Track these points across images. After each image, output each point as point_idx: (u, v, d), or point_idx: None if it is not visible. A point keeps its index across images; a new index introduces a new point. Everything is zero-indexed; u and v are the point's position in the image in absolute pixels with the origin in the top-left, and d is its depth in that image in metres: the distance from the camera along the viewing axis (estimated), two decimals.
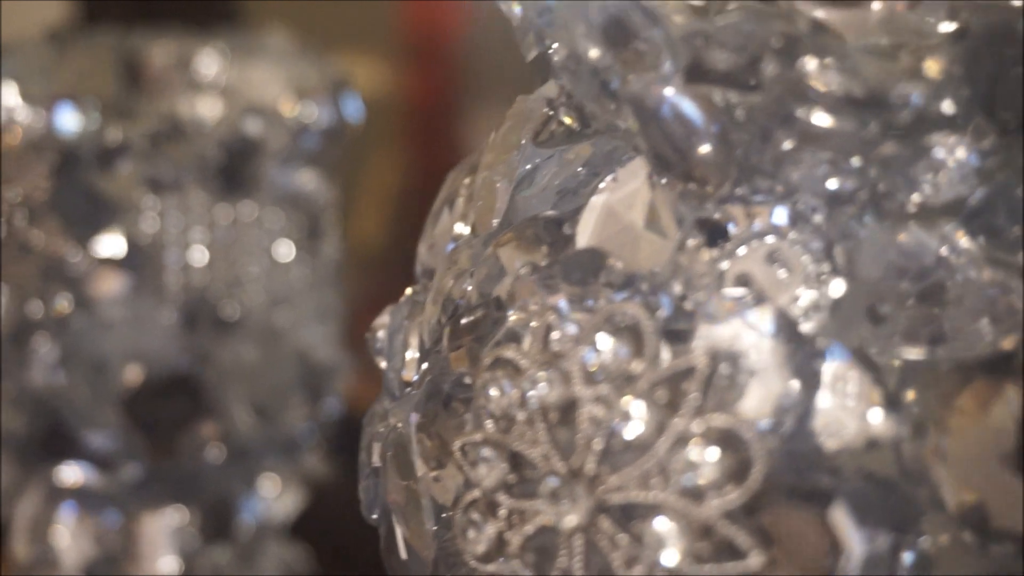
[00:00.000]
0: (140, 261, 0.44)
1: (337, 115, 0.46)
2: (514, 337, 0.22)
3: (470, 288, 0.25)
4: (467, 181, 0.29)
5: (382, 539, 0.28)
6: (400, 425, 0.25)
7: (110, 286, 0.44)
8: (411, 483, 0.25)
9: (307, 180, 0.46)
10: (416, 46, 0.92)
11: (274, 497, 0.51)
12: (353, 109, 0.47)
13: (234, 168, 0.44)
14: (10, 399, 0.46)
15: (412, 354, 0.27)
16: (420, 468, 0.24)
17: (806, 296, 0.21)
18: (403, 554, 0.26)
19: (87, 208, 0.43)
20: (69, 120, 0.42)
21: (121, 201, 0.43)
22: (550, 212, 0.24)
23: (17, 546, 0.49)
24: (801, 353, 0.20)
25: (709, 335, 0.20)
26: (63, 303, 0.44)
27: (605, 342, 0.21)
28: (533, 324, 0.22)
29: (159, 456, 0.47)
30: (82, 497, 0.48)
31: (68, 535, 0.48)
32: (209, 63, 0.44)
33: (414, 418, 0.24)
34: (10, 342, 0.45)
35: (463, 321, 0.24)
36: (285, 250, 0.47)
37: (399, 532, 0.26)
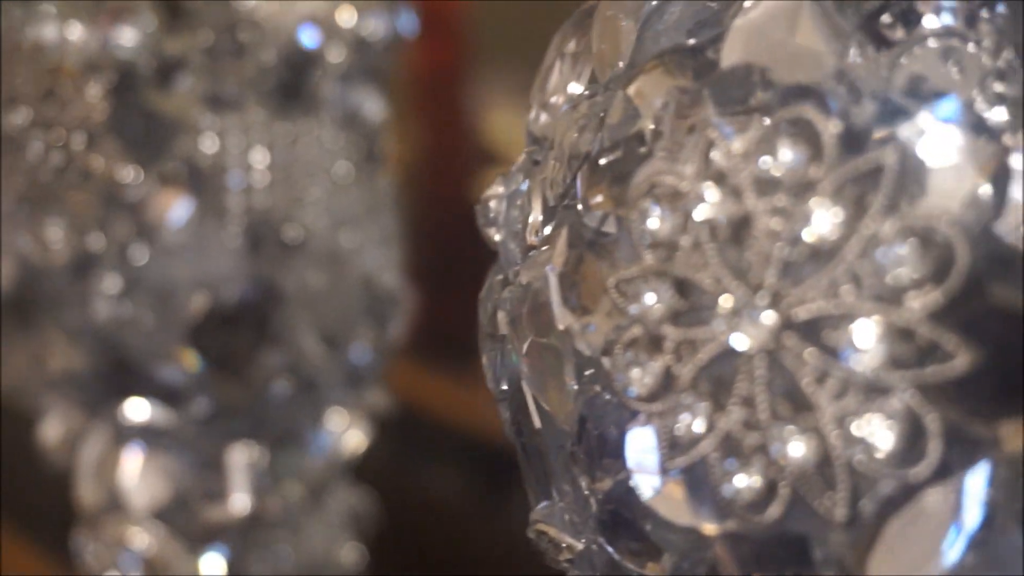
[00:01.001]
0: (202, 184, 0.42)
1: (393, 28, 0.45)
2: (667, 164, 0.21)
3: (601, 134, 0.24)
4: (572, 45, 0.27)
5: (509, 415, 0.26)
6: (535, 282, 0.24)
7: (173, 211, 0.42)
8: (550, 339, 0.24)
9: (364, 97, 0.45)
10: (423, 18, 0.91)
11: (341, 432, 0.50)
12: (407, 22, 0.46)
13: (293, 83, 0.42)
14: (72, 335, 0.44)
15: (536, 216, 0.25)
16: (563, 320, 0.23)
17: (986, 90, 0.20)
18: (536, 422, 0.25)
19: (146, 130, 0.41)
20: (125, 36, 0.40)
21: (180, 121, 0.42)
22: (690, 40, 0.23)
23: (83, 489, 0.48)
24: (989, 146, 0.19)
25: (892, 134, 0.19)
26: (124, 230, 0.42)
27: (778, 151, 0.20)
28: (689, 146, 0.21)
29: (227, 389, 0.45)
30: (148, 436, 0.47)
31: (135, 476, 0.47)
32: None
33: (553, 269, 0.23)
34: (70, 275, 0.43)
35: (601, 162, 0.23)
36: (344, 171, 0.46)
37: (531, 401, 0.25)
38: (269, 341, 0.44)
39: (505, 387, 0.26)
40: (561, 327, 0.23)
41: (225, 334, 0.44)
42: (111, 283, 0.43)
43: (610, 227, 0.22)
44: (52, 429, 0.49)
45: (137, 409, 0.45)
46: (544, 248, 0.24)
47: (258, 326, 0.44)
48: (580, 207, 0.23)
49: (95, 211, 0.42)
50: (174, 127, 0.42)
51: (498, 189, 0.28)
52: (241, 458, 0.47)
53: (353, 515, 0.52)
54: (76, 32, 0.40)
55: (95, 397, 0.46)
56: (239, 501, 0.47)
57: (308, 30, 0.42)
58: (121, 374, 0.45)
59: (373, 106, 0.46)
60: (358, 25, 0.43)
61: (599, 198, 0.23)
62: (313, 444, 0.49)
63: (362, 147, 0.46)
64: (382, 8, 0.45)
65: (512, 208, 0.27)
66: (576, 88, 0.26)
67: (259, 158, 0.43)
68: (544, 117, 0.27)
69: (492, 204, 0.27)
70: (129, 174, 0.41)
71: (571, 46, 0.27)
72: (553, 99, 0.27)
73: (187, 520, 0.47)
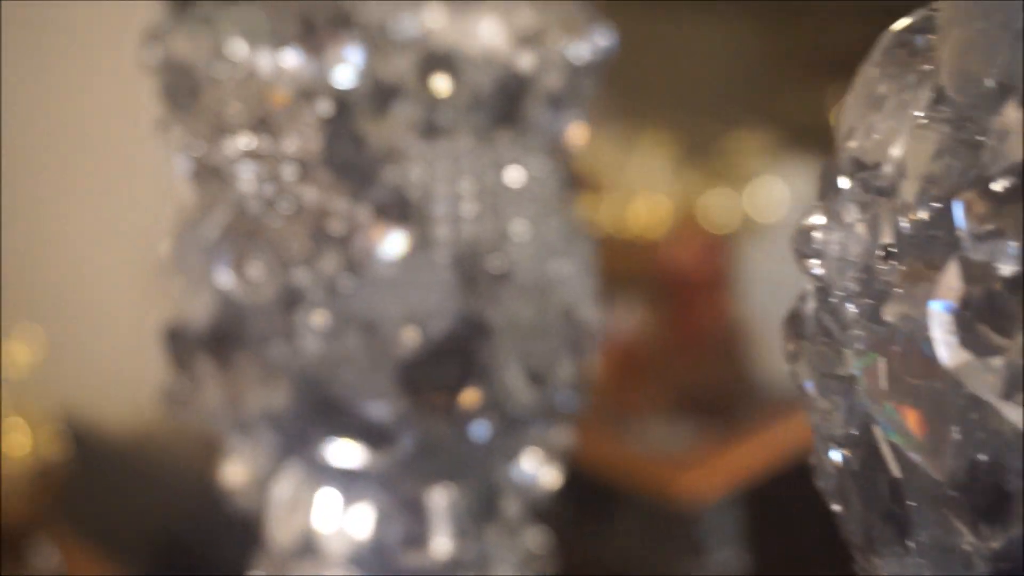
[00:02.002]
0: (411, 214, 0.41)
1: (599, 49, 0.43)
2: None
3: (982, 158, 0.22)
4: (901, 60, 0.25)
5: (854, 460, 0.24)
6: (908, 319, 0.22)
7: (384, 243, 0.41)
8: (931, 380, 0.21)
9: (570, 122, 0.43)
10: None
11: (536, 471, 0.48)
12: (610, 43, 0.44)
13: (504, 109, 0.41)
14: (273, 373, 0.43)
15: (886, 245, 0.23)
16: (955, 359, 0.21)
17: None
18: (895, 470, 0.23)
19: (358, 159, 0.40)
20: (342, 62, 0.39)
21: (391, 150, 0.40)
22: None
23: (274, 531, 0.47)
24: None
25: None
26: (333, 263, 0.41)
27: None
28: None
29: (431, 428, 0.43)
30: (347, 477, 0.45)
31: (332, 519, 0.45)
32: None
33: (944, 304, 0.21)
34: (275, 310, 0.42)
35: (995, 188, 0.21)
36: (548, 199, 0.44)
37: (886, 446, 0.23)
38: (475, 377, 0.42)
39: (852, 431, 0.24)
40: (951, 366, 0.21)
41: (433, 370, 0.42)
42: (318, 318, 0.42)
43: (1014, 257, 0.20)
44: (239, 468, 0.48)
45: (337, 449, 0.43)
46: (918, 282, 0.22)
47: (465, 362, 0.42)
48: (968, 236, 0.21)
49: (303, 244, 0.41)
50: (385, 156, 0.40)
51: (820, 219, 0.26)
52: (442, 500, 0.45)
53: (538, 557, 0.50)
54: (291, 59, 0.39)
55: (293, 434, 0.44)
56: (440, 545, 0.45)
57: (524, 54, 0.40)
58: (322, 412, 0.43)
59: (577, 131, 0.44)
60: (570, 48, 0.41)
61: (995, 225, 0.21)
62: (509, 484, 0.47)
63: (564, 173, 0.45)
64: (589, 30, 0.43)
65: (843, 237, 0.25)
66: (916, 109, 0.24)
67: (467, 186, 0.42)
68: (873, 140, 0.25)
69: (816, 234, 0.25)
70: (340, 205, 0.40)
71: (901, 61, 0.25)
72: (883, 122, 0.25)
73: (384, 565, 0.45)
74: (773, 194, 1.26)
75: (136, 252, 1.18)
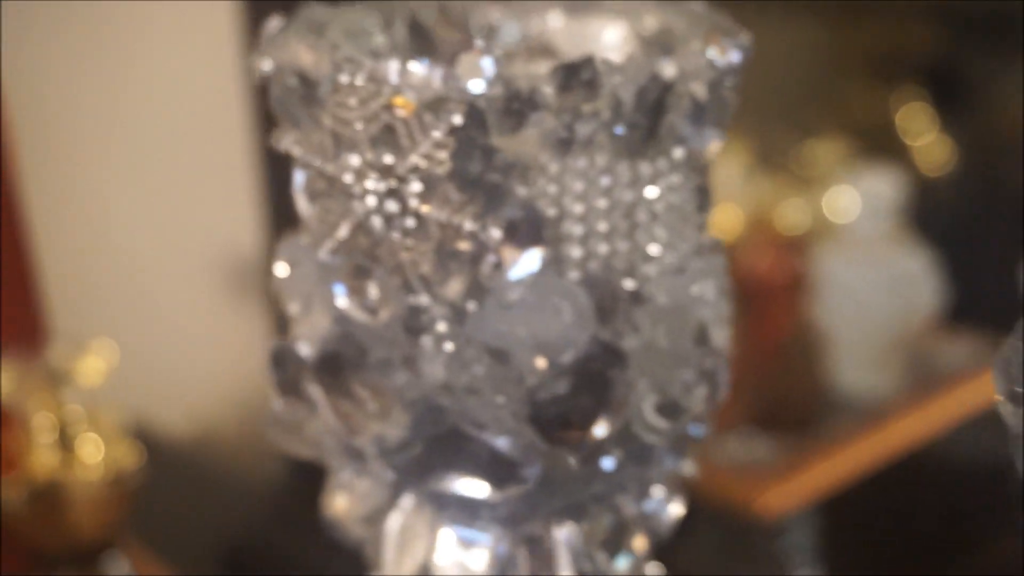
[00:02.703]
0: (544, 234, 0.38)
1: (740, 57, 0.40)
2: None
3: None
4: None
5: None
6: None
7: (516, 264, 0.38)
8: None
9: (709, 134, 0.40)
10: None
11: (665, 504, 0.45)
12: (748, 50, 0.41)
13: (647, 120, 0.38)
14: (392, 400, 0.40)
15: None
16: None
17: None
18: None
19: (488, 174, 0.37)
20: (474, 71, 0.36)
21: (524, 165, 0.37)
22: None
23: (387, 567, 0.44)
24: None
25: None
26: (459, 286, 0.38)
27: None
28: None
29: (558, 462, 0.41)
30: (467, 511, 0.42)
31: (449, 555, 0.43)
32: None
33: None
34: (395, 334, 0.39)
35: None
36: (685, 218, 0.41)
37: None
38: (608, 408, 0.40)
39: None
40: None
41: (562, 401, 0.39)
42: (441, 344, 0.39)
43: None
44: (348, 500, 0.45)
45: (457, 483, 0.41)
46: None
47: (598, 391, 0.39)
48: None
49: (427, 265, 0.38)
50: (517, 171, 0.37)
51: None
52: (566, 536, 0.43)
53: None
54: (418, 67, 0.36)
55: (408, 467, 0.42)
56: None
57: (669, 63, 0.37)
58: (442, 444, 0.41)
59: (714, 144, 0.41)
60: (710, 53, 0.38)
61: None
62: (636, 518, 0.44)
63: (700, 188, 0.42)
64: (728, 33, 0.40)
65: None
66: None
67: (602, 204, 0.39)
68: None
69: None
70: (468, 224, 0.37)
71: None
72: None
73: None
74: (846, 200, 1.22)
75: (207, 262, 1.17)
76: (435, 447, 0.41)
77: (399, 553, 0.43)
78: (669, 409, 0.41)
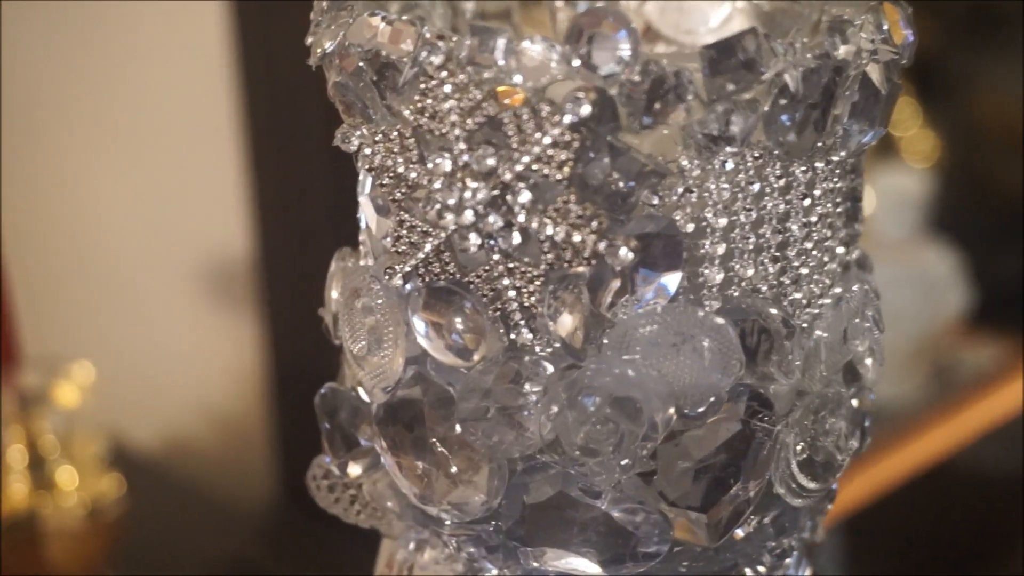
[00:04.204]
0: (682, 255, 0.30)
1: (912, 40, 0.33)
2: None
3: None
4: None
5: None
6: None
7: (643, 292, 0.30)
8: None
9: (870, 133, 0.32)
10: None
11: (799, 571, 0.37)
12: (913, 37, 0.33)
13: (812, 111, 0.30)
14: (479, 456, 0.32)
15: None
16: None
17: None
18: None
19: (615, 180, 0.29)
20: (601, 56, 0.28)
21: (657, 168, 0.30)
22: None
23: None
24: None
25: None
26: (574, 320, 0.30)
27: None
28: None
29: (684, 533, 0.33)
30: None
31: None
32: None
33: None
34: (487, 376, 0.31)
35: None
36: (832, 233, 0.34)
37: None
38: (754, 469, 0.32)
39: None
40: None
41: (699, 463, 0.32)
42: (551, 393, 0.31)
43: None
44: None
45: (561, 559, 0.33)
46: None
47: (741, 450, 0.32)
48: None
49: (535, 294, 0.30)
50: (651, 178, 0.30)
51: None
52: None
53: None
54: (535, 47, 0.29)
55: (494, 541, 0.34)
56: None
57: (841, 42, 0.30)
58: (540, 513, 0.33)
59: (873, 140, 0.33)
60: (893, 34, 0.31)
61: None
62: None
63: (853, 195, 0.34)
64: (903, 12, 0.33)
65: None
66: None
67: (749, 216, 0.31)
68: None
69: None
70: (591, 242, 0.29)
71: None
72: None
73: None
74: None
75: (192, 270, 1.08)
76: (533, 517, 0.33)
77: None
78: (821, 466, 0.33)
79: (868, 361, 0.35)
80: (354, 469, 0.36)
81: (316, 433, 0.37)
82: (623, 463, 0.31)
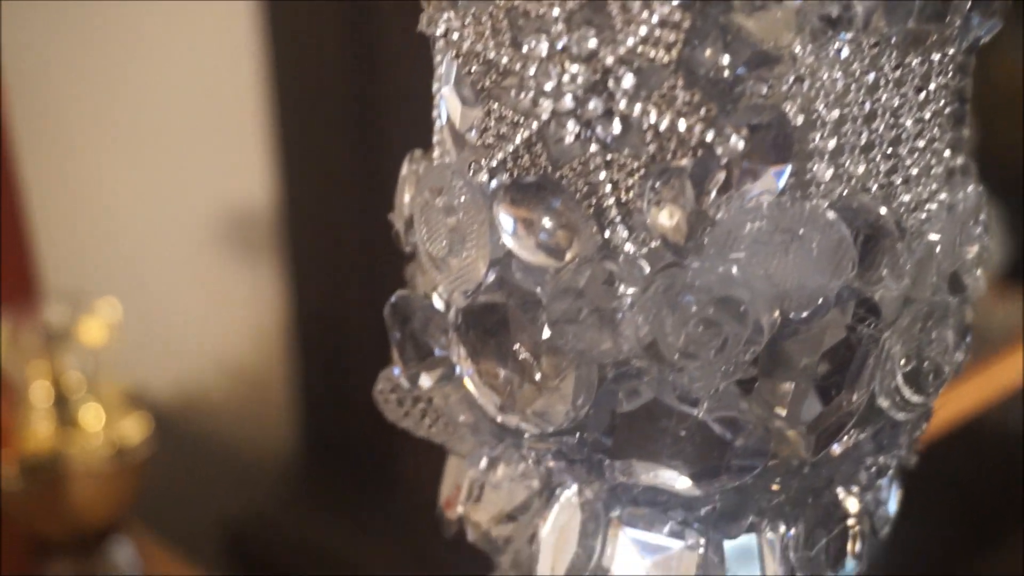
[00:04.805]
0: (792, 146, 0.28)
1: None
2: None
3: None
4: None
5: None
6: None
7: (751, 186, 0.28)
8: None
9: (988, 25, 0.31)
10: None
11: (886, 499, 0.36)
12: None
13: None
14: (564, 366, 0.31)
15: None
16: None
17: None
18: None
19: (724, 67, 0.27)
20: None
21: (772, 54, 0.28)
22: None
23: (545, 567, 0.35)
24: None
25: None
26: (676, 215, 0.29)
27: None
28: None
29: (786, 449, 0.31)
30: (655, 508, 0.33)
31: (627, 564, 0.33)
32: None
33: None
34: (588, 285, 0.30)
35: None
36: (941, 134, 0.32)
37: None
38: (858, 379, 0.30)
39: None
40: None
41: (802, 369, 0.30)
42: (641, 293, 0.29)
43: None
44: (482, 492, 0.36)
45: (651, 471, 0.31)
46: None
47: (847, 358, 0.30)
48: None
49: (633, 187, 0.29)
50: (764, 63, 0.28)
51: None
52: (777, 541, 0.33)
53: None
54: None
55: (579, 451, 0.32)
56: None
57: None
58: (631, 422, 0.31)
59: (988, 34, 0.31)
60: None
61: None
62: (860, 516, 0.35)
63: (962, 95, 0.32)
64: None
65: None
66: None
67: (863, 108, 0.29)
68: None
69: None
70: (699, 130, 0.27)
71: None
72: None
73: None
74: None
75: (212, 217, 1.06)
76: (622, 427, 0.31)
77: (557, 563, 0.34)
78: (926, 378, 0.32)
79: (977, 271, 0.33)
80: (425, 381, 0.35)
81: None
82: (724, 369, 0.29)
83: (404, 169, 0.35)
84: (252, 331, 1.11)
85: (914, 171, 0.31)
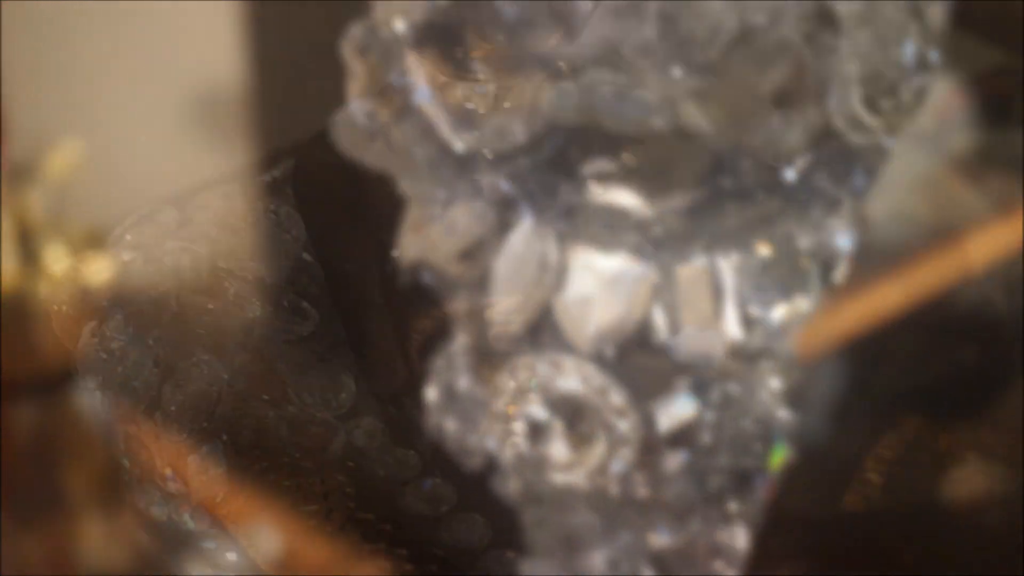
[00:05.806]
0: None
1: None
2: None
3: None
4: None
5: None
6: None
7: None
8: None
9: None
10: None
11: (837, 236, 0.36)
12: None
13: None
14: (527, 81, 0.31)
15: None
16: None
17: None
18: None
19: None
20: None
21: None
22: None
23: (500, 311, 0.35)
24: None
25: None
26: None
27: None
28: None
29: (737, 165, 0.31)
30: (608, 231, 0.33)
31: (581, 290, 0.34)
32: None
33: None
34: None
35: None
36: None
37: None
38: (806, 91, 0.30)
39: None
40: None
41: (753, 73, 0.30)
42: None
43: None
44: (439, 229, 0.36)
45: (602, 189, 0.31)
46: None
47: (797, 65, 0.30)
48: None
49: None
50: None
51: None
52: (729, 269, 0.34)
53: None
54: None
55: (533, 173, 0.32)
56: (729, 327, 0.33)
57: None
58: (582, 138, 0.31)
59: None
60: None
61: None
62: (812, 251, 0.35)
63: None
64: None
65: None
66: None
67: None
68: None
69: None
70: None
71: None
72: None
73: (651, 357, 0.34)
74: None
75: (177, 90, 1.05)
76: (573, 144, 0.31)
77: (514, 292, 0.34)
78: (882, 98, 0.32)
79: None
80: (383, 113, 0.35)
81: None
82: (675, 75, 0.29)
83: None
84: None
85: None
